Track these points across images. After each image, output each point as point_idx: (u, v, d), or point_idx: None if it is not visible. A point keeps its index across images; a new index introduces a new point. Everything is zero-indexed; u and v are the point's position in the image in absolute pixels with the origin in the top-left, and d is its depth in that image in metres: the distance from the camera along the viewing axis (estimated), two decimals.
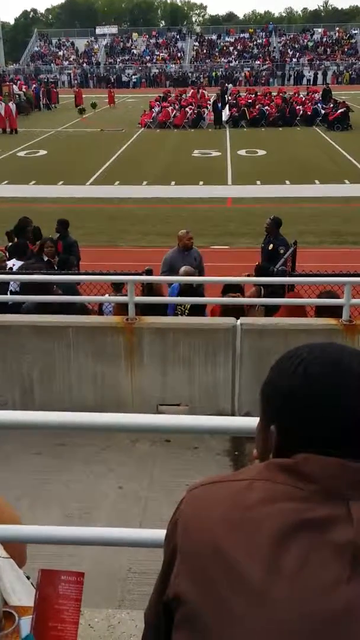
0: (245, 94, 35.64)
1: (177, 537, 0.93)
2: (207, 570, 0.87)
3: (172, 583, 0.91)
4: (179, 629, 0.89)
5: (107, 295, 6.28)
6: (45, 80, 51.39)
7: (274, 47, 61.21)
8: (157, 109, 32.66)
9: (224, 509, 0.90)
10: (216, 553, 0.87)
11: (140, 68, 60.12)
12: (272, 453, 0.97)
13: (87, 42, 65.64)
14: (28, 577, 1.78)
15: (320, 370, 0.92)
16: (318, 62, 57.96)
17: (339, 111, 29.40)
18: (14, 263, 7.07)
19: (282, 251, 8.33)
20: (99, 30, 67.04)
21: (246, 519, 0.88)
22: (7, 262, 7.13)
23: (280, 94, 34.92)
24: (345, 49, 60.31)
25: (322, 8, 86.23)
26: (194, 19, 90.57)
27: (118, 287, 6.51)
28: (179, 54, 62.63)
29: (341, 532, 0.83)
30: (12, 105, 31.28)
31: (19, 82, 44.20)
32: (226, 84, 37.48)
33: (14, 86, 40.21)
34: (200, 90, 37.29)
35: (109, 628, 1.95)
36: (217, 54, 62.03)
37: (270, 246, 8.66)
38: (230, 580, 0.84)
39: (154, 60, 61.78)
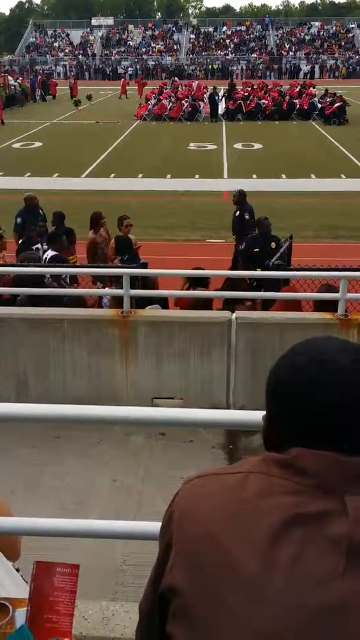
0: (241, 87, 35.55)
1: (173, 529, 0.93)
2: (202, 563, 0.87)
3: (167, 575, 0.91)
4: (173, 621, 0.89)
5: (106, 288, 6.27)
6: (41, 71, 51.15)
7: (271, 42, 60.98)
8: (153, 101, 32.52)
9: (220, 502, 0.90)
10: (211, 545, 0.87)
11: (136, 60, 59.82)
12: (266, 444, 0.98)
13: (83, 33, 65.23)
14: (18, 570, 1.78)
15: (304, 364, 0.93)
16: (315, 55, 57.82)
17: (336, 105, 29.35)
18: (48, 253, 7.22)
19: (246, 216, 8.68)
20: (94, 22, 66.62)
21: (242, 512, 0.88)
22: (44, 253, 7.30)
23: (277, 88, 34.84)
24: (342, 43, 60.17)
25: (319, 1, 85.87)
26: (190, 11, 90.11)
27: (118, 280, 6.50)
28: (175, 46, 62.34)
29: (336, 526, 0.83)
30: None
31: (17, 77, 43.92)
32: (231, 81, 37.27)
33: (9, 77, 39.93)
34: (197, 82, 37.17)
35: (103, 620, 1.96)
36: (213, 46, 61.79)
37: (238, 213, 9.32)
38: (225, 573, 0.85)
39: (150, 53, 61.48)
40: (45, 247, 7.56)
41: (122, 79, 44.80)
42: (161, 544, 0.97)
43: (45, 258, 7.11)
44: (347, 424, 0.88)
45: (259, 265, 7.33)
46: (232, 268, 8.81)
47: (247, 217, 9.54)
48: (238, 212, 9.77)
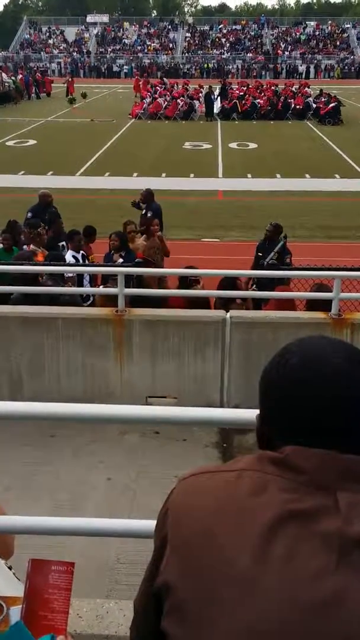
0: (237, 87, 35.53)
1: (167, 527, 0.94)
2: (196, 560, 0.88)
3: (162, 572, 0.92)
4: (168, 617, 0.90)
5: (101, 287, 6.26)
6: (37, 69, 50.93)
7: (267, 42, 60.96)
8: (148, 99, 32.48)
9: (215, 499, 0.91)
10: (206, 542, 0.88)
11: (131, 58, 59.66)
12: (260, 443, 0.99)
13: (78, 30, 64.99)
14: (10, 568, 1.78)
15: (297, 364, 0.94)
16: (310, 55, 57.86)
17: (331, 105, 29.41)
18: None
19: (149, 214, 8.83)
20: (89, 19, 66.36)
21: (236, 509, 0.89)
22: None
23: (272, 87, 34.86)
24: (338, 43, 60.25)
25: (314, 1, 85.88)
26: (185, 9, 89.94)
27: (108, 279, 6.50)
28: (170, 45, 62.23)
29: (328, 522, 0.84)
30: None
31: (11, 74, 43.72)
32: (224, 80, 36.99)
33: (3, 74, 39.77)
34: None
35: (97, 617, 1.96)
36: (209, 45, 61.72)
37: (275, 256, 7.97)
38: (219, 569, 0.86)
39: (145, 51, 61.35)
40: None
41: (135, 77, 44.41)
42: (156, 542, 0.97)
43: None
44: (340, 422, 0.89)
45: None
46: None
47: (149, 214, 9.52)
48: (144, 211, 9.74)
